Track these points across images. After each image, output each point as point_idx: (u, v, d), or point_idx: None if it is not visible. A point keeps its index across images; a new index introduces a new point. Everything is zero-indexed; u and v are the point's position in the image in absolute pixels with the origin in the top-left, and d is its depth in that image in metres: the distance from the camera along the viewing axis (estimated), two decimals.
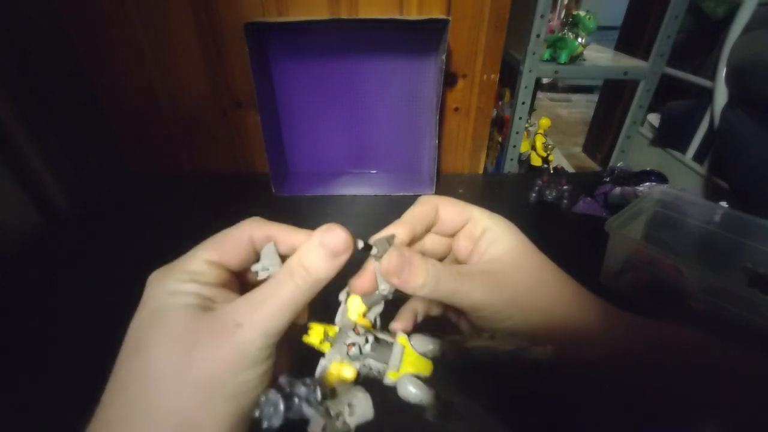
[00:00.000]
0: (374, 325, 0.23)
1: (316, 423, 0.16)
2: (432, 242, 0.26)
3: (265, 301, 0.18)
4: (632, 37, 1.35)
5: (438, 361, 0.22)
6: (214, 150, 0.76)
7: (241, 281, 0.22)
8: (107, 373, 0.19)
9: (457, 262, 0.26)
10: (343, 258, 0.19)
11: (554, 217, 0.66)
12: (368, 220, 0.63)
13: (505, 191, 0.76)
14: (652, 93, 0.93)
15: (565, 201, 0.67)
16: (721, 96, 0.99)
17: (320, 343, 0.21)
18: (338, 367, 0.20)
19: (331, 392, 0.19)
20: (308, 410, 0.17)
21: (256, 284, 0.20)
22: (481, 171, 0.81)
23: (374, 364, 0.20)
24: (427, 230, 0.25)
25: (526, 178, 0.82)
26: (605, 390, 0.20)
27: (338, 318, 0.22)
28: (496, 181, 0.85)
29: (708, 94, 1.03)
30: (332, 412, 0.17)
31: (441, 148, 0.75)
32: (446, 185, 0.73)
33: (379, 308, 0.23)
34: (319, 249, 0.19)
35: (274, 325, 0.18)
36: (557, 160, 1.39)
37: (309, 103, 0.70)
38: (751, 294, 0.37)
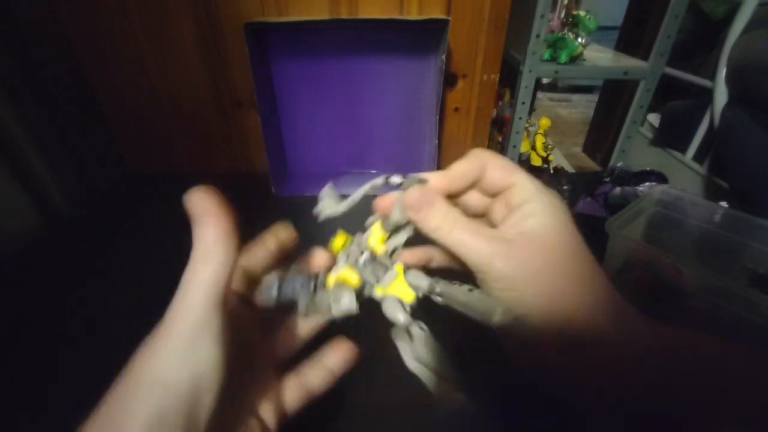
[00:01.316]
0: (390, 254, 0.25)
1: (302, 302, 0.21)
2: (473, 199, 0.25)
3: (199, 261, 0.20)
4: (632, 37, 1.35)
5: (424, 299, 0.23)
6: (214, 150, 0.76)
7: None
8: (108, 373, 0.19)
9: (491, 225, 0.25)
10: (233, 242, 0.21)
11: None
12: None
13: None
14: (652, 93, 0.93)
15: (565, 201, 0.67)
16: (721, 96, 0.99)
17: (338, 249, 0.24)
18: (347, 272, 0.23)
19: (324, 286, 0.23)
20: (297, 293, 0.21)
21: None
22: None
23: (368, 278, 0.24)
24: (471, 186, 0.24)
25: None
26: (612, 398, 0.19)
27: (359, 237, 0.25)
28: None
29: (708, 94, 1.03)
30: (318, 300, 0.21)
31: (441, 148, 0.74)
32: None
33: (399, 240, 0.25)
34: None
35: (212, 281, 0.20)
36: (557, 160, 1.39)
37: (309, 103, 0.70)
38: (751, 294, 0.37)
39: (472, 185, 0.24)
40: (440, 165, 0.75)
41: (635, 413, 0.19)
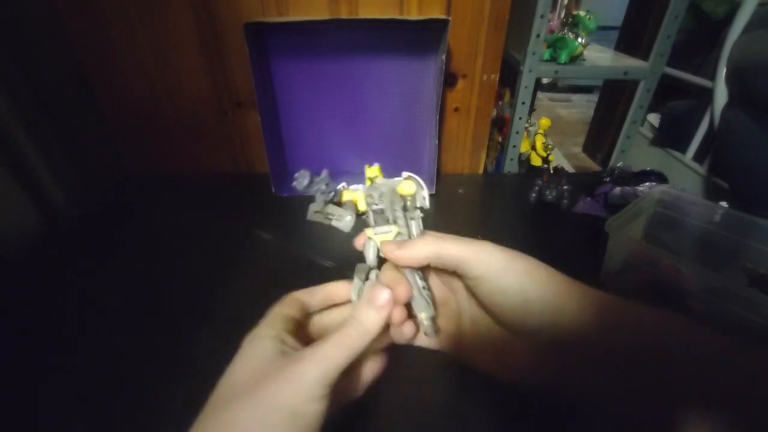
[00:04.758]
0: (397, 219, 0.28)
1: (317, 203, 0.25)
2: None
3: (324, 343, 0.22)
4: (632, 37, 1.35)
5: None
6: (214, 150, 0.76)
7: (303, 331, 0.27)
8: (108, 372, 0.19)
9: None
10: (387, 311, 0.24)
11: (554, 217, 0.66)
12: None
13: (505, 191, 0.76)
14: (652, 93, 0.93)
15: (565, 201, 0.67)
16: (721, 96, 0.99)
17: (371, 176, 0.27)
18: (359, 196, 0.27)
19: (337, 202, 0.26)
20: (318, 194, 0.26)
21: (315, 333, 0.26)
22: (481, 171, 0.81)
23: (370, 216, 0.27)
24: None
25: (526, 178, 0.82)
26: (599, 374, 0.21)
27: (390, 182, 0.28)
28: (496, 181, 0.85)
29: (708, 94, 1.03)
30: (326, 209, 0.25)
31: (441, 148, 0.74)
32: (446, 185, 0.73)
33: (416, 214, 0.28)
34: (368, 305, 0.24)
35: (330, 363, 0.21)
36: (557, 160, 1.39)
37: (309, 103, 0.70)
38: (751, 294, 0.37)
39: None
40: (440, 165, 0.75)
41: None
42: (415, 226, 0.27)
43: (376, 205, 0.26)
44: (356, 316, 0.23)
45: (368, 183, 0.27)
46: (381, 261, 0.28)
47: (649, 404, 0.20)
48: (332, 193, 0.25)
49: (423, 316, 0.26)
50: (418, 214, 0.27)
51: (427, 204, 0.28)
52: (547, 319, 0.23)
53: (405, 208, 0.27)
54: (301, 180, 0.23)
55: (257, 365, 0.21)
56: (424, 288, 0.27)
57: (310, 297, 0.28)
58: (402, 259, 0.25)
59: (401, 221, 0.27)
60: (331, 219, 0.26)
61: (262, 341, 0.23)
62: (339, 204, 0.26)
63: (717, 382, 0.19)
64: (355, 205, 0.27)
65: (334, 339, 0.22)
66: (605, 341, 0.22)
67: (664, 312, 0.22)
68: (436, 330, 0.27)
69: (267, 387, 0.20)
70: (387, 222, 0.27)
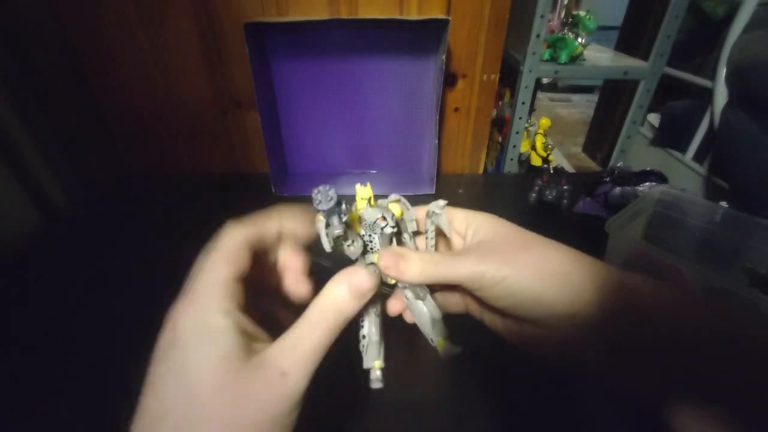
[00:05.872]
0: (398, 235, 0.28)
1: (336, 226, 0.23)
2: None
3: (302, 345, 0.19)
4: (632, 37, 1.35)
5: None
6: (214, 150, 0.76)
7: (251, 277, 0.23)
8: (107, 372, 0.19)
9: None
10: (369, 296, 0.22)
11: (554, 217, 0.65)
12: None
13: (505, 191, 0.76)
14: (652, 93, 0.93)
15: (565, 201, 0.67)
16: (721, 96, 0.99)
17: (363, 198, 0.26)
18: (355, 217, 0.25)
19: (349, 227, 0.25)
20: (337, 218, 0.22)
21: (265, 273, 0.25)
22: (481, 171, 0.81)
23: (368, 239, 0.26)
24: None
25: (526, 178, 0.82)
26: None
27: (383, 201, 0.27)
28: (496, 181, 0.85)
29: (708, 94, 1.03)
30: (346, 232, 0.23)
31: (441, 148, 0.74)
32: (446, 185, 0.73)
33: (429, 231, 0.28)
34: (347, 291, 0.21)
35: (313, 368, 0.19)
36: (557, 160, 1.39)
37: (309, 103, 0.70)
38: (751, 294, 0.37)
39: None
40: (440, 165, 0.75)
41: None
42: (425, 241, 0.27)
43: (392, 228, 0.24)
44: (333, 303, 0.21)
45: (361, 204, 0.25)
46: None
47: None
48: (346, 215, 0.24)
49: (376, 365, 0.23)
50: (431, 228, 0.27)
51: (415, 227, 0.27)
52: (559, 316, 0.22)
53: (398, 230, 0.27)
54: (325, 200, 0.20)
55: (224, 377, 0.18)
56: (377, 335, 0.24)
57: (266, 227, 0.25)
58: (404, 279, 0.24)
59: (409, 240, 0.27)
60: (349, 245, 0.24)
61: (217, 337, 0.18)
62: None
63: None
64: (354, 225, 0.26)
65: (311, 336, 0.20)
66: (625, 329, 0.21)
67: (689, 296, 0.21)
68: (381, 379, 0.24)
69: (247, 409, 0.17)
70: (388, 242, 0.26)
